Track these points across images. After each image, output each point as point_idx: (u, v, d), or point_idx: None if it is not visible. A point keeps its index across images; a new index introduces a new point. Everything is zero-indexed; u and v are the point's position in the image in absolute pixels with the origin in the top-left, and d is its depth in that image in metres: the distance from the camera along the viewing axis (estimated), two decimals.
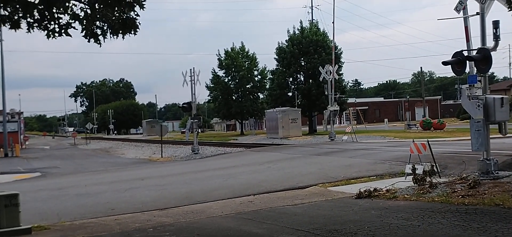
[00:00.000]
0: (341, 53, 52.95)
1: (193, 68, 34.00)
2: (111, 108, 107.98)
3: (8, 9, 7.91)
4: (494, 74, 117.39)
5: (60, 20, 8.16)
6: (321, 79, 41.32)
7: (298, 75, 55.50)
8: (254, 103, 62.61)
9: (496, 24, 12.58)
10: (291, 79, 55.42)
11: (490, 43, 12.74)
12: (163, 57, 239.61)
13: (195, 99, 34.44)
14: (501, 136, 13.56)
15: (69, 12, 8.17)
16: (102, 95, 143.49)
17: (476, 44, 12.95)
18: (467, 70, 12.92)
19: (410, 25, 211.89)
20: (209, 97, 67.17)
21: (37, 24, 8.04)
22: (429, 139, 15.20)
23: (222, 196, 13.07)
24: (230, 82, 62.58)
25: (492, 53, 12.44)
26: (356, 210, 9.81)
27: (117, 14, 8.33)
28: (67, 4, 8.08)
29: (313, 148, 29.19)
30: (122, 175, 22.05)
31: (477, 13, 12.80)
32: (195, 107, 34.40)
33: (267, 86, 61.20)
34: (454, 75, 14.22)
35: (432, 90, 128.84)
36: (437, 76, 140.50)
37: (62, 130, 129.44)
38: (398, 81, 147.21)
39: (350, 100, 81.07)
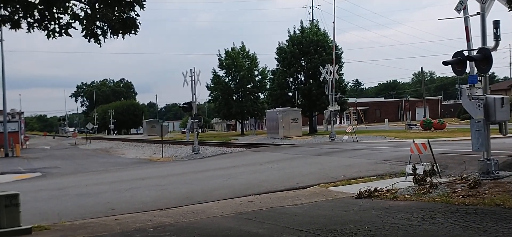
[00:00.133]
0: (341, 53, 53.03)
1: (194, 68, 34.08)
2: (111, 108, 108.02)
3: (9, 9, 7.92)
4: (495, 74, 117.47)
5: (60, 20, 8.16)
6: (321, 79, 41.30)
7: (299, 75, 55.49)
8: (255, 103, 62.62)
9: (496, 24, 12.56)
10: (291, 79, 55.42)
11: (490, 43, 12.73)
12: (163, 57, 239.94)
13: (195, 99, 34.45)
14: (501, 136, 13.55)
15: (69, 12, 8.17)
16: (102, 95, 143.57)
17: (476, 44, 12.97)
18: (468, 70, 12.91)
19: (411, 25, 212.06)
20: (209, 97, 67.29)
21: (37, 24, 8.04)
22: (429, 139, 15.20)
23: (222, 196, 13.07)
24: (230, 82, 62.60)
25: (492, 53, 12.42)
26: (357, 210, 9.81)
27: (117, 14, 8.33)
28: (67, 4, 8.09)
29: (313, 148, 29.18)
30: (123, 175, 22.05)
31: (478, 13, 12.79)
32: (195, 107, 34.40)
33: (268, 86, 61.22)
34: (455, 75, 14.22)
35: (433, 90, 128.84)
36: (437, 76, 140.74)
37: (63, 130, 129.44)
38: (398, 81, 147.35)
39: (351, 100, 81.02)
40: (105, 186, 17.30)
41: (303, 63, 54.11)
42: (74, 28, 8.28)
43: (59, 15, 8.12)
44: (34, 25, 8.02)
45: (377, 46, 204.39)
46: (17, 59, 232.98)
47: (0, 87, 42.32)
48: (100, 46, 8.62)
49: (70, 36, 8.29)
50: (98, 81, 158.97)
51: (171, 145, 45.51)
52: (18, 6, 7.82)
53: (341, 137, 36.65)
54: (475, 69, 12.73)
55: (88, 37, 8.35)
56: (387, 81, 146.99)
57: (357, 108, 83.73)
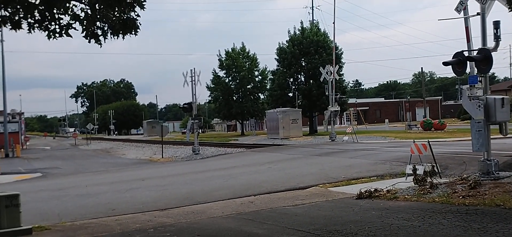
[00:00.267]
0: (341, 53, 52.99)
1: (194, 68, 34.10)
2: (111, 109, 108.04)
3: (9, 9, 7.93)
4: (495, 75, 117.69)
5: (61, 21, 8.18)
6: (321, 79, 41.29)
7: (299, 76, 55.47)
8: (255, 103, 62.63)
9: (496, 24, 12.57)
10: (291, 79, 55.39)
11: (490, 43, 12.74)
12: (163, 58, 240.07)
13: (195, 99, 34.46)
14: (501, 136, 13.56)
15: (69, 12, 8.19)
16: (102, 96, 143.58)
17: (476, 44, 12.97)
18: (468, 70, 12.92)
19: (411, 25, 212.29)
20: (209, 98, 67.28)
21: (37, 25, 8.05)
22: (429, 140, 15.20)
23: (222, 197, 13.07)
24: (230, 83, 62.62)
25: (492, 53, 12.43)
26: (357, 211, 9.81)
27: (118, 15, 8.34)
28: (67, 4, 8.10)
29: (313, 149, 29.18)
30: (123, 175, 22.06)
31: (478, 14, 12.80)
32: (195, 108, 34.41)
33: (268, 87, 61.20)
34: (455, 75, 14.23)
35: (433, 90, 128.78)
36: (437, 76, 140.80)
37: (63, 131, 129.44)
38: (398, 82, 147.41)
39: (351, 100, 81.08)
40: (106, 186, 17.30)
41: (303, 64, 54.10)
42: (75, 28, 8.30)
43: (59, 15, 8.14)
44: (35, 25, 8.03)
45: (377, 47, 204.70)
46: (18, 60, 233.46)
47: (1, 88, 42.42)
48: (101, 46, 8.64)
49: (71, 36, 8.31)
50: (99, 82, 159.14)
51: (171, 146, 45.51)
52: (18, 6, 7.83)
53: (341, 138, 36.66)
54: (475, 69, 12.73)
55: (88, 38, 8.37)
56: (387, 82, 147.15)
57: (357, 108, 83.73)
